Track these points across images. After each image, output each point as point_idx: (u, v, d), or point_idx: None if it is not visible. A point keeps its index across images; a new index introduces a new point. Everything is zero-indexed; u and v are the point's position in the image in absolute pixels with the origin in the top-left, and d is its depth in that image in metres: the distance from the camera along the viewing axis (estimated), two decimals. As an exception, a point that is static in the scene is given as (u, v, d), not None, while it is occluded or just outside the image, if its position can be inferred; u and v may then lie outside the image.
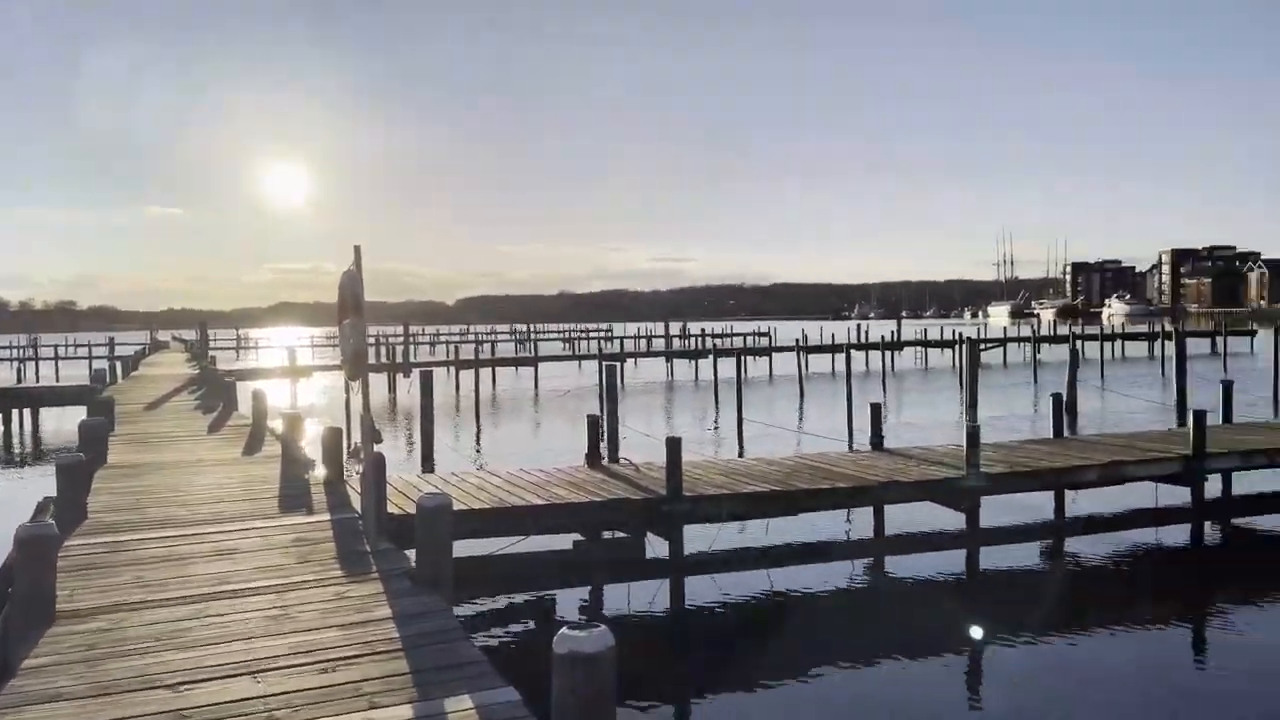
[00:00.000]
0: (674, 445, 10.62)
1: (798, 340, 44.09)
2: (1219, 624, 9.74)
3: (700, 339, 60.99)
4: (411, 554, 7.27)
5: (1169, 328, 55.61)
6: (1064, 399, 16.39)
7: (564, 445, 21.47)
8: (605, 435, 13.71)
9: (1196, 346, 53.48)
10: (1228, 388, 16.95)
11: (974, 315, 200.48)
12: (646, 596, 10.39)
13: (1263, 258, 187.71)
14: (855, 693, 8.09)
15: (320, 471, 11.22)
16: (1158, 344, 53.98)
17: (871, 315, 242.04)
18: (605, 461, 13.47)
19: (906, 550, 12.30)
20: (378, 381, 43.01)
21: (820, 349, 48.62)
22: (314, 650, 5.38)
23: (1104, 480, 12.78)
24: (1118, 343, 57.08)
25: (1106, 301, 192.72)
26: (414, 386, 39.61)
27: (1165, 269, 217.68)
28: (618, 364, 25.10)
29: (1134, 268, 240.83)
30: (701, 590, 10.59)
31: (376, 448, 8.06)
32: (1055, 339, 58.03)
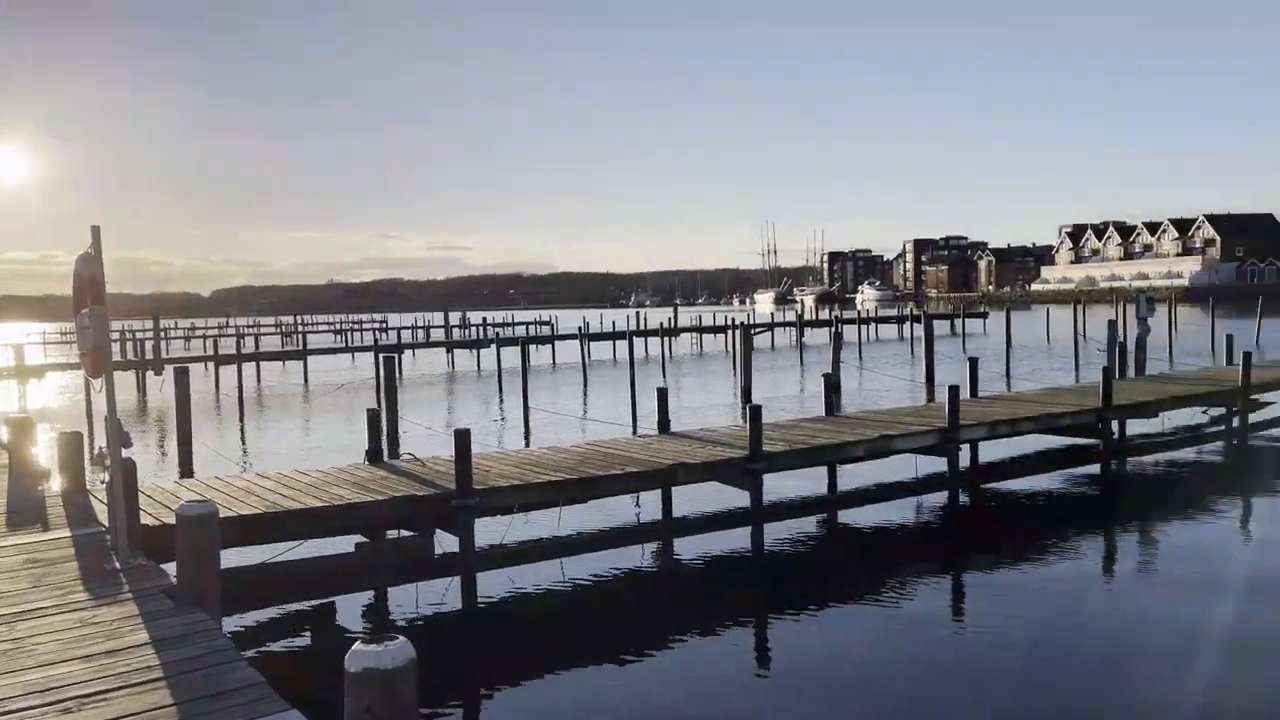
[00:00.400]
0: (462, 437, 10.22)
1: (580, 328, 44.32)
2: (975, 584, 10.55)
3: (481, 329, 60.00)
4: (172, 569, 6.53)
5: (916, 312, 60.50)
6: (832, 379, 17.27)
7: (341, 443, 20.39)
8: (386, 430, 13.09)
9: (939, 328, 58.49)
10: (974, 364, 18.49)
11: (742, 302, 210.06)
12: (436, 596, 9.96)
13: (989, 246, 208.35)
14: (651, 676, 8.09)
15: (58, 482, 9.95)
16: (906, 326, 58.56)
17: (648, 303, 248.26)
18: (387, 458, 12.84)
19: (695, 531, 12.53)
20: (124, 380, 39.22)
21: (602, 336, 49.10)
22: (54, 688, 4.66)
23: (871, 454, 13.56)
24: (873, 326, 61.41)
25: (859, 287, 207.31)
26: (167, 384, 36.48)
27: (909, 257, 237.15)
28: (395, 356, 24.15)
29: (883, 256, 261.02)
30: (494, 586, 10.29)
31: (125, 453, 7.19)
32: (818, 323, 61.69)
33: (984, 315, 67.72)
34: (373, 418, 12.65)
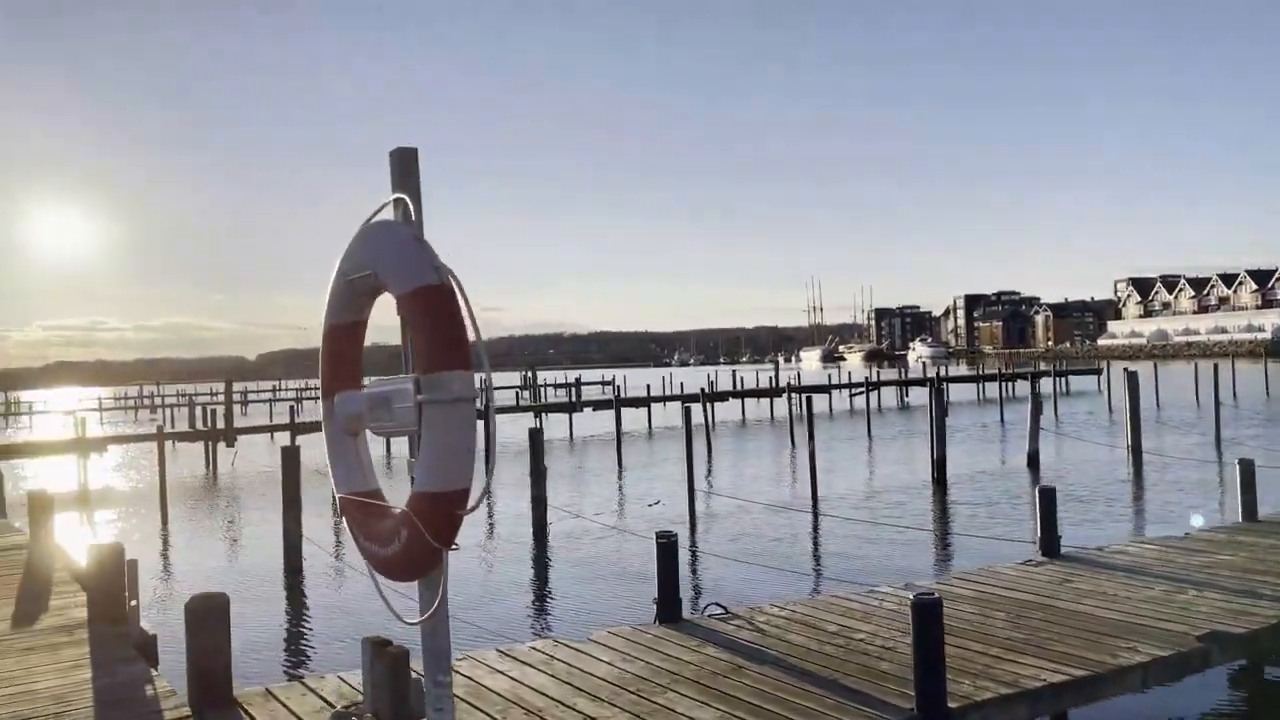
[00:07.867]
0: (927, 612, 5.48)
1: (717, 385, 39.20)
2: None
3: (574, 389, 54.24)
4: None
5: (1045, 368, 54.82)
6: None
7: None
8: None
9: (1021, 387, 53.80)
10: None
11: (787, 359, 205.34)
12: None
13: (1043, 301, 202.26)
14: None
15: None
16: (995, 384, 53.17)
17: (691, 361, 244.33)
18: (688, 614, 7.98)
19: None
20: (190, 452, 35.15)
21: (758, 393, 44.55)
22: None
23: None
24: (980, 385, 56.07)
25: (910, 344, 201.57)
26: (238, 457, 32.09)
27: (959, 313, 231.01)
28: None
29: (930, 312, 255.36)
30: None
31: None
32: (957, 379, 56.54)
33: (1096, 371, 61.83)
34: (667, 547, 7.81)
